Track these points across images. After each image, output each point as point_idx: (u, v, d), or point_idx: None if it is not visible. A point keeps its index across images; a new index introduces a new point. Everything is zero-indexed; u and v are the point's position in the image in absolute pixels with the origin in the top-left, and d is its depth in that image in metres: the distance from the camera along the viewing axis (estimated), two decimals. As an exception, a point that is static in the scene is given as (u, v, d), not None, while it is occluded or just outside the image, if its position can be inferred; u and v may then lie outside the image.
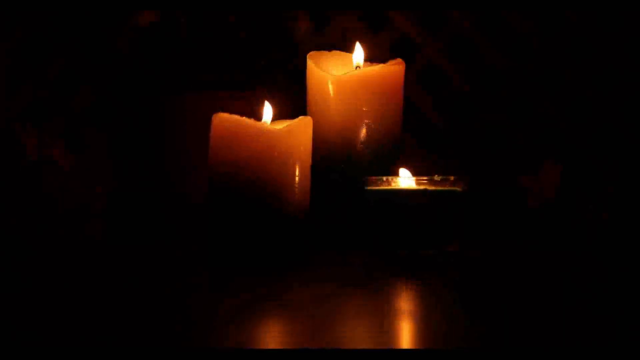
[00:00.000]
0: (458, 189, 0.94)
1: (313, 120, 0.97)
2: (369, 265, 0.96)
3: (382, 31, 1.32)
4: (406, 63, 1.07)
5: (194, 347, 0.58)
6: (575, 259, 1.02)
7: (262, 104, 0.99)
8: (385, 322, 0.67)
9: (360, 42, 1.09)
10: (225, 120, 0.94)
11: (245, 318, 0.67)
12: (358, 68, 1.07)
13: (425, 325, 0.67)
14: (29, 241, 1.02)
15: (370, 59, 1.09)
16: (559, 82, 1.32)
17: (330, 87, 1.04)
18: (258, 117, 0.97)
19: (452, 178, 0.95)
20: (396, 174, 0.98)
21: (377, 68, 1.06)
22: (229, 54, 1.24)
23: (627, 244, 1.06)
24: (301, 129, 0.95)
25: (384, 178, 0.96)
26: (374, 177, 0.97)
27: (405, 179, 0.96)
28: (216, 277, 0.90)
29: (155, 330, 0.63)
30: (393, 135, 1.06)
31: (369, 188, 0.96)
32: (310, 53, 1.08)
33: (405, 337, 0.63)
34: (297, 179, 0.94)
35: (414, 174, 0.97)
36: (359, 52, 1.08)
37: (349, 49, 1.11)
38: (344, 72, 1.06)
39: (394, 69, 1.06)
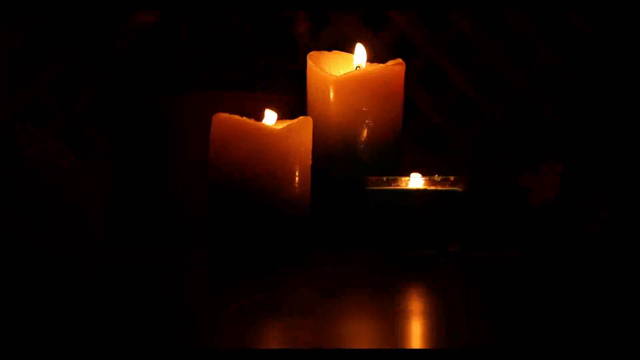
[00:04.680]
0: (458, 189, 0.94)
1: (313, 120, 0.97)
2: (369, 265, 0.96)
3: (382, 31, 1.32)
4: (406, 63, 1.07)
5: (194, 347, 0.58)
6: (575, 259, 1.02)
7: (263, 107, 0.99)
8: (387, 321, 0.67)
9: (360, 42, 1.09)
10: (225, 120, 0.94)
11: (247, 318, 0.67)
12: (358, 68, 1.07)
13: (426, 325, 0.67)
14: (28, 241, 1.02)
15: (370, 59, 1.09)
16: (559, 82, 1.32)
17: (330, 87, 1.04)
18: (258, 117, 0.97)
19: (452, 178, 0.95)
20: (400, 174, 0.97)
21: (377, 68, 1.06)
22: (229, 54, 1.24)
23: (627, 244, 1.06)
24: (301, 129, 0.95)
25: (384, 178, 0.96)
26: (374, 177, 0.97)
27: (405, 179, 0.96)
28: (217, 277, 0.90)
29: (155, 330, 0.63)
30: (393, 135, 1.06)
31: (369, 188, 0.96)
32: (310, 53, 1.08)
33: (406, 337, 0.63)
34: (297, 179, 0.94)
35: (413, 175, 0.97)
36: (360, 53, 1.08)
37: (349, 49, 1.11)
38: (344, 72, 1.06)
39: (394, 69, 1.06)
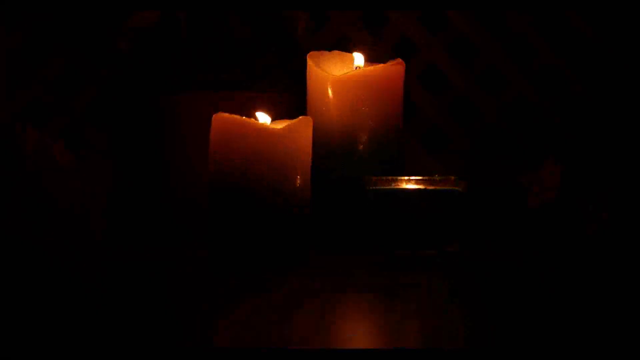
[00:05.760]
0: (458, 189, 0.94)
1: (313, 120, 0.97)
2: (369, 265, 0.96)
3: (382, 31, 1.32)
4: (406, 63, 1.07)
5: (194, 347, 0.58)
6: (575, 259, 1.02)
7: (263, 107, 0.99)
8: (387, 321, 0.67)
9: (359, 44, 1.09)
10: (225, 120, 0.94)
11: (247, 318, 0.67)
12: (358, 68, 1.07)
13: (426, 325, 0.67)
14: (28, 241, 1.02)
15: (370, 59, 1.09)
16: (559, 82, 1.32)
17: (330, 87, 1.04)
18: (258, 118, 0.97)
19: (452, 178, 0.95)
20: (400, 174, 0.97)
21: (377, 68, 1.06)
22: (229, 54, 1.24)
23: (627, 244, 1.06)
24: (301, 129, 0.95)
25: (384, 178, 0.96)
26: (374, 177, 0.97)
27: (405, 179, 0.96)
28: (217, 277, 0.90)
29: (155, 330, 0.63)
30: (393, 135, 1.06)
31: (369, 188, 0.96)
32: (310, 53, 1.08)
33: (406, 337, 0.63)
34: (297, 179, 0.94)
35: (414, 174, 0.97)
36: (358, 57, 1.08)
37: (349, 49, 1.11)
38: (344, 72, 1.06)
39: (394, 69, 1.06)
